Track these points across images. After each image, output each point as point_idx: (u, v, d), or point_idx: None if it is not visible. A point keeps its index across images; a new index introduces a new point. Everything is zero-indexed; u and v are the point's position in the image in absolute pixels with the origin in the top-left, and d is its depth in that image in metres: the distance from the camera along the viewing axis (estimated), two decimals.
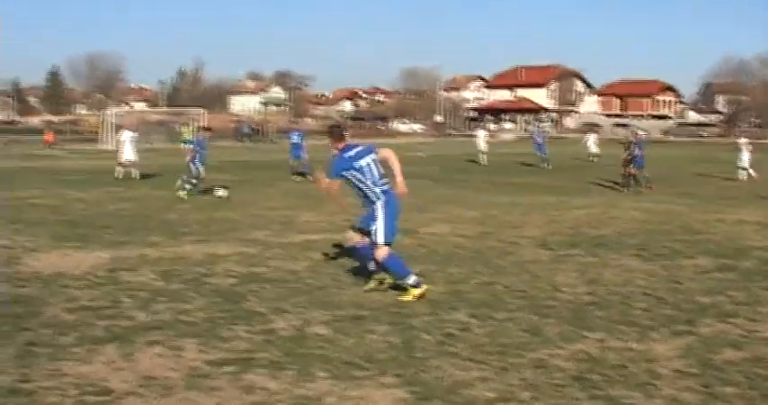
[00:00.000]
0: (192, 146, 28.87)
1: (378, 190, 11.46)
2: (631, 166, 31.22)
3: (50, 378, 7.72)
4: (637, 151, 32.02)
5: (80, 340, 8.98)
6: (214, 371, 7.99)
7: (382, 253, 11.28)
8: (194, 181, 25.88)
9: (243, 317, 10.13)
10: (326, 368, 8.05)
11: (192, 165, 26.24)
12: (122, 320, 9.91)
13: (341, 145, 11.73)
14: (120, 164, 34.78)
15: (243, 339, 9.12)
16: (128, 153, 34.92)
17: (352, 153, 11.59)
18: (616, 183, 32.58)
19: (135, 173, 34.46)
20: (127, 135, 35.81)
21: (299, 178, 33.16)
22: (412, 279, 11.24)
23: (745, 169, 37.74)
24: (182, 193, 24.99)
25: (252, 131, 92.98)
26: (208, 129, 32.00)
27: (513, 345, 8.96)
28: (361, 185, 11.46)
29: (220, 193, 25.39)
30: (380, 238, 11.28)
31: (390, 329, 9.56)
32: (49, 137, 71.01)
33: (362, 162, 11.47)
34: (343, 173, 11.49)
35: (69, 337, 9.12)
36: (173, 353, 8.57)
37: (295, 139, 36.22)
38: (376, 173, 11.54)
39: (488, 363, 8.29)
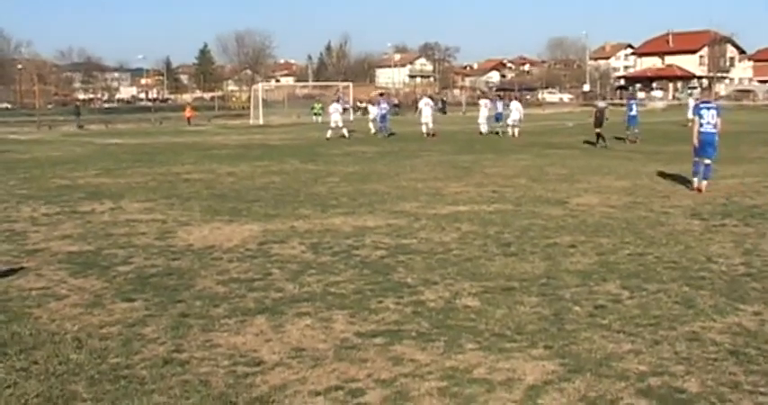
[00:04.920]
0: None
1: None
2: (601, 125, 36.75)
3: (203, 349, 7.86)
4: (632, 112, 40.68)
5: (231, 312, 9.12)
6: (363, 342, 8.01)
7: None
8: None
9: (391, 288, 10.14)
10: (476, 340, 8.01)
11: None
12: (272, 292, 10.03)
13: None
14: (332, 129, 43.86)
15: (392, 311, 9.13)
16: (335, 118, 44.62)
17: None
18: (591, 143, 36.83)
19: (345, 132, 43.35)
20: (334, 106, 46.15)
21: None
22: None
23: None
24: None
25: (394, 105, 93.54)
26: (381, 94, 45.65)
27: (665, 317, 8.78)
28: None
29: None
30: None
31: (540, 301, 9.47)
32: (189, 113, 72.10)
33: None
34: None
35: (221, 308, 9.28)
36: (322, 324, 8.63)
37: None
38: None
39: (640, 335, 8.14)
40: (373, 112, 49.23)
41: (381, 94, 56.48)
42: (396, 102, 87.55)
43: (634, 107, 41.66)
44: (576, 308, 9.16)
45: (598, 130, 36.63)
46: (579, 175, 22.85)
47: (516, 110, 45.13)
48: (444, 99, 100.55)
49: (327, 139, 42.34)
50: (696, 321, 8.62)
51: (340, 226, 14.85)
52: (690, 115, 50.75)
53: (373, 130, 47.79)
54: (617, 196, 18.50)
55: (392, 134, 44.25)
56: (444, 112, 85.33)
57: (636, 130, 40.14)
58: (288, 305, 9.39)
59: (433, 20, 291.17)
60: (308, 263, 11.75)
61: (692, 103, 54.98)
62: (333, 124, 43.92)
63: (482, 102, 50.50)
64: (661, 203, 17.39)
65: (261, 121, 66.07)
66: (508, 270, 11.11)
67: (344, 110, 52.18)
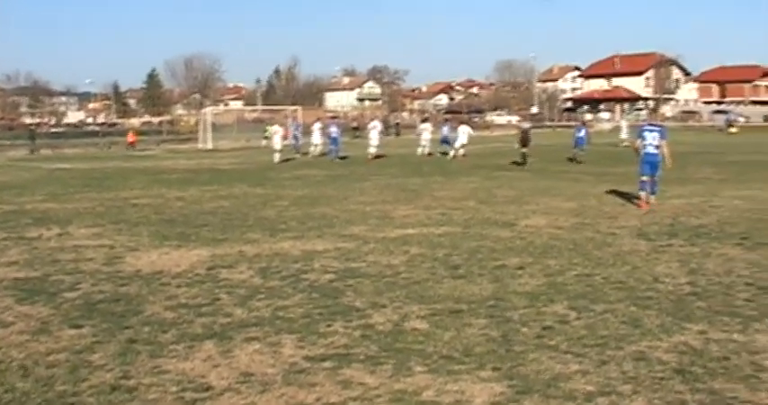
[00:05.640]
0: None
1: None
2: (525, 144, 38.70)
3: (151, 375, 7.82)
4: (580, 133, 42.43)
5: (180, 337, 9.09)
6: (312, 366, 8.01)
7: None
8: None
9: (340, 312, 10.15)
10: (424, 363, 8.04)
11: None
12: (221, 317, 10.00)
13: None
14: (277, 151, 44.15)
15: (341, 335, 9.13)
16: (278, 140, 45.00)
17: None
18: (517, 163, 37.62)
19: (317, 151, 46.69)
20: (275, 129, 47.12)
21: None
22: None
23: None
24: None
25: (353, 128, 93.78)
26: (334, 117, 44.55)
27: (612, 337, 8.86)
28: None
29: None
30: None
31: (488, 323, 9.51)
32: (132, 138, 71.39)
33: None
34: None
35: (169, 334, 9.24)
36: (271, 349, 8.62)
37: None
38: None
39: (587, 355, 8.20)
40: (316, 135, 49.24)
41: (333, 117, 57.43)
42: (355, 125, 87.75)
43: (582, 130, 43.43)
44: (524, 329, 9.21)
45: (524, 150, 38.45)
46: (527, 197, 23.00)
47: (464, 134, 45.68)
48: (398, 122, 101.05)
49: (274, 162, 42.27)
50: (643, 341, 8.70)
51: (289, 250, 14.83)
52: (623, 136, 52.95)
53: (316, 153, 48.20)
54: (565, 217, 18.63)
55: (344, 157, 44.28)
56: (398, 135, 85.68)
57: (581, 152, 41.35)
58: (236, 330, 9.37)
59: (381, 43, 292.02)
60: (257, 287, 11.73)
61: (624, 124, 57.24)
62: (277, 147, 44.13)
63: (423, 125, 51.23)
64: (608, 224, 17.53)
65: (210, 146, 65.80)
66: (456, 292, 11.15)
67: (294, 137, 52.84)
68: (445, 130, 49.73)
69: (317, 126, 49.93)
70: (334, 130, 46.91)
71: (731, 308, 10.13)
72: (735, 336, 8.88)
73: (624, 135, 56.32)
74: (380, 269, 12.91)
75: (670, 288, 11.31)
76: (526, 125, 42.71)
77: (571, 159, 40.85)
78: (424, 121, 56.68)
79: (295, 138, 50.28)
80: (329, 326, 9.50)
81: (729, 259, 13.38)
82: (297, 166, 40.27)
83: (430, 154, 46.21)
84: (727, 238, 15.45)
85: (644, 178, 20.85)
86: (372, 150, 44.84)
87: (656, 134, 21.03)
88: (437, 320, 9.65)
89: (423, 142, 47.57)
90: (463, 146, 44.78)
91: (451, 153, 44.27)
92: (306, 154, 48.46)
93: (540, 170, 34.87)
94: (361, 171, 35.62)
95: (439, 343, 8.71)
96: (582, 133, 42.85)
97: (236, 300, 10.95)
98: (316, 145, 48.79)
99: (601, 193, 23.75)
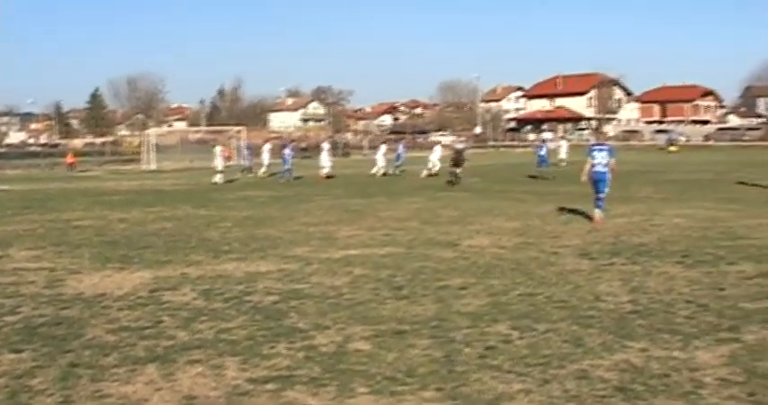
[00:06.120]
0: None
1: None
2: (458, 164, 39.41)
3: (92, 399, 7.76)
4: (542, 151, 45.28)
5: (121, 361, 9.01)
6: (255, 389, 7.98)
7: None
8: None
9: (283, 334, 10.12)
10: (367, 384, 8.03)
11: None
12: (163, 340, 9.94)
13: None
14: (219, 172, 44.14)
15: (284, 356, 9.11)
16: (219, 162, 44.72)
17: None
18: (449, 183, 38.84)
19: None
20: (218, 150, 46.32)
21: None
22: None
23: None
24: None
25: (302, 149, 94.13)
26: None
27: (555, 356, 8.90)
28: None
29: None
30: None
31: (431, 343, 9.52)
32: (71, 159, 70.68)
33: None
34: None
35: (111, 357, 9.16)
36: (213, 371, 8.57)
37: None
38: None
39: (530, 375, 8.23)
40: (266, 156, 50.43)
41: (292, 140, 59.65)
42: (304, 145, 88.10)
43: (543, 148, 46.27)
44: (467, 349, 9.23)
45: (456, 170, 39.21)
46: (471, 217, 23.07)
47: (436, 151, 47.85)
48: (347, 143, 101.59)
49: (214, 183, 42.47)
50: (585, 359, 8.75)
51: (232, 272, 14.78)
52: (562, 156, 54.01)
53: (265, 174, 49.15)
54: (508, 237, 18.71)
55: (298, 178, 44.75)
56: (346, 155, 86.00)
57: (545, 169, 43.67)
58: (179, 353, 9.32)
59: (326, 63, 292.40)
60: (200, 309, 11.67)
61: (564, 144, 58.58)
62: (219, 168, 44.09)
63: (382, 146, 52.36)
64: (551, 244, 17.63)
65: (153, 167, 65.64)
66: (400, 313, 11.16)
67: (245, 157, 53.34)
68: (400, 149, 51.79)
69: (266, 147, 50.66)
70: (287, 151, 47.48)
71: (672, 325, 10.22)
72: (675, 353, 8.95)
73: (563, 155, 57.37)
74: (324, 290, 12.90)
75: (612, 306, 11.38)
76: (459, 146, 43.16)
77: (534, 177, 42.37)
78: (384, 142, 57.88)
79: (245, 158, 50.18)
80: (272, 348, 9.47)
81: (670, 277, 13.50)
82: (241, 186, 40.23)
83: (385, 174, 46.78)
84: (667, 257, 15.59)
85: (600, 196, 21.71)
86: (325, 170, 45.54)
87: (604, 153, 21.88)
88: (380, 341, 9.65)
89: (379, 162, 48.53)
90: (434, 164, 46.34)
91: (425, 172, 45.50)
92: (255, 174, 49.38)
93: (483, 190, 35.03)
94: (305, 192, 35.60)
95: (382, 364, 8.71)
96: (543, 151, 45.30)
97: (179, 322, 10.89)
98: (267, 165, 49.87)
99: (544, 213, 23.89)
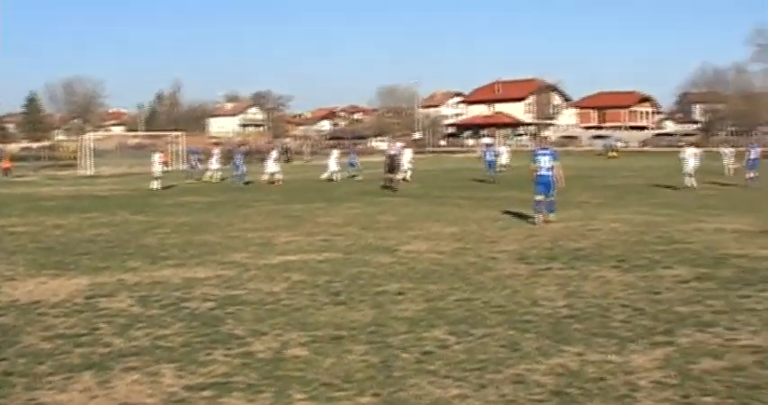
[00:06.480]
0: None
1: None
2: (392, 170, 40.02)
3: None
4: (489, 157, 47.24)
5: (57, 368, 8.93)
6: (192, 396, 7.94)
7: None
8: None
9: (221, 340, 10.09)
10: (304, 390, 8.02)
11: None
12: (99, 347, 9.86)
13: None
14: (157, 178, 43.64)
15: (220, 363, 9.07)
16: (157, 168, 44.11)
17: None
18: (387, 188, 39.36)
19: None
20: (156, 156, 45.11)
21: None
22: None
23: (690, 176, 38.67)
24: None
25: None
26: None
27: (491, 360, 8.95)
28: None
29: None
30: None
31: (368, 349, 9.54)
32: (6, 164, 69.58)
33: None
34: None
35: (46, 365, 9.07)
36: (150, 379, 8.52)
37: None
38: None
39: (467, 380, 8.27)
40: (214, 161, 51.03)
41: (240, 145, 60.55)
42: (247, 149, 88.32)
43: (490, 153, 48.80)
44: (404, 355, 9.26)
45: (389, 175, 39.96)
46: (409, 223, 23.13)
47: (408, 162, 48.22)
48: (289, 148, 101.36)
49: (153, 189, 42.01)
50: (521, 364, 8.81)
51: (169, 278, 14.71)
52: (504, 161, 55.06)
53: (213, 180, 49.55)
54: (446, 242, 18.78)
55: (248, 183, 45.27)
56: (288, 161, 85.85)
57: (494, 173, 45.99)
58: (115, 360, 9.25)
59: (265, 68, 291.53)
60: (137, 316, 11.60)
61: (504, 149, 59.88)
62: (157, 174, 43.77)
63: (334, 152, 53.37)
64: (489, 249, 17.71)
65: (91, 172, 65.07)
66: (337, 319, 11.16)
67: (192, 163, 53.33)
68: (353, 156, 54.16)
69: (215, 152, 51.45)
70: (238, 156, 48.50)
71: (608, 329, 10.32)
72: (611, 357, 9.04)
73: (504, 161, 57.32)
74: (261, 296, 12.87)
75: (548, 311, 11.47)
76: (392, 151, 43.51)
77: (482, 180, 43.90)
78: (333, 148, 58.86)
79: (192, 164, 50.33)
80: (209, 354, 9.44)
81: (606, 282, 13.63)
82: (179, 192, 39.96)
83: (331, 180, 47.30)
84: (604, 261, 15.74)
85: (538, 198, 22.59)
86: (277, 176, 45.99)
87: (548, 157, 22.71)
88: (317, 347, 9.65)
89: (332, 167, 49.10)
90: (406, 170, 46.77)
91: (400, 176, 45.04)
92: (206, 179, 49.50)
93: (422, 196, 35.09)
94: (244, 197, 35.46)
95: (319, 370, 8.71)
96: (490, 156, 47.28)
97: (116, 329, 10.81)
98: (215, 170, 50.47)
99: (482, 218, 24.00)
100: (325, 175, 47.81)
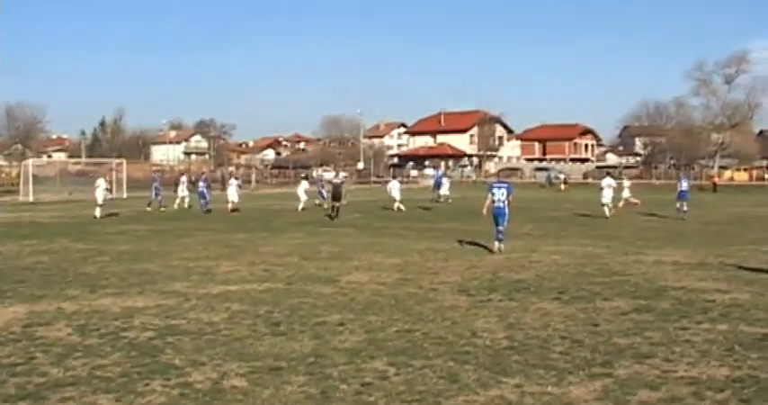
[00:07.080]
0: None
1: None
2: (336, 198, 40.45)
3: None
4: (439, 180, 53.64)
5: None
6: None
7: None
8: None
9: (159, 371, 10.02)
10: None
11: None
12: (36, 377, 9.76)
13: None
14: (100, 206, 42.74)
15: (158, 393, 9.02)
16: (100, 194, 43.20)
17: None
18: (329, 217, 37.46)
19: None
20: (99, 182, 44.46)
21: None
22: None
23: (605, 205, 39.50)
24: None
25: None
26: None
27: (430, 392, 8.96)
28: None
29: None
30: None
31: (308, 380, 9.52)
32: None
33: None
34: None
35: None
36: None
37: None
38: None
39: None
40: (182, 188, 51.97)
41: (203, 173, 61.46)
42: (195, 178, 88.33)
43: (438, 176, 54.85)
44: (343, 386, 9.25)
45: (335, 203, 40.45)
46: (351, 253, 23.12)
47: (396, 189, 48.47)
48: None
49: (95, 217, 41.38)
50: (460, 396, 8.83)
51: (109, 307, 14.59)
52: (443, 191, 56.11)
53: (180, 207, 50.30)
54: (387, 273, 18.80)
55: (209, 211, 45.21)
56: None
57: (440, 196, 50.28)
58: (51, 390, 9.16)
59: (209, 97, 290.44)
60: (74, 345, 11.49)
61: (445, 181, 60.52)
62: (99, 201, 42.93)
63: (303, 182, 53.35)
64: (430, 280, 17.75)
65: (31, 199, 64.43)
66: (276, 349, 11.14)
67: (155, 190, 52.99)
68: (320, 184, 56.15)
69: (183, 179, 53.12)
70: (201, 184, 48.46)
71: (547, 361, 10.38)
72: (550, 388, 9.10)
73: (446, 191, 57.52)
74: (201, 326, 12.81)
75: (488, 343, 11.51)
76: (337, 180, 44.06)
77: (428, 208, 47.54)
78: (305, 178, 58.47)
79: (155, 191, 50.74)
80: (147, 385, 9.37)
81: (546, 313, 13.70)
82: (121, 220, 39.65)
83: (303, 209, 46.99)
84: (544, 293, 15.83)
85: (500, 228, 23.85)
86: (234, 205, 46.14)
87: (503, 190, 24.15)
88: (256, 378, 9.62)
89: (301, 197, 48.89)
90: (400, 200, 47.11)
91: (396, 205, 46.28)
92: (166, 207, 49.59)
93: (364, 226, 35.10)
94: (185, 226, 35.27)
95: (257, 401, 8.68)
96: (438, 178, 53.23)
97: (53, 358, 10.71)
98: (182, 197, 51.38)
99: (424, 249, 24.05)
100: (300, 206, 47.54)
